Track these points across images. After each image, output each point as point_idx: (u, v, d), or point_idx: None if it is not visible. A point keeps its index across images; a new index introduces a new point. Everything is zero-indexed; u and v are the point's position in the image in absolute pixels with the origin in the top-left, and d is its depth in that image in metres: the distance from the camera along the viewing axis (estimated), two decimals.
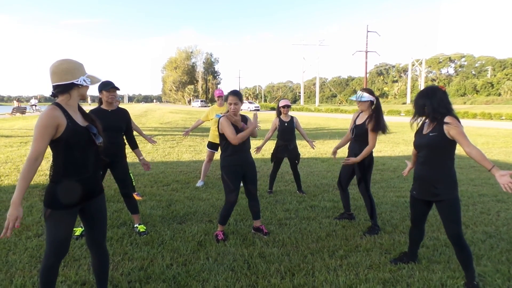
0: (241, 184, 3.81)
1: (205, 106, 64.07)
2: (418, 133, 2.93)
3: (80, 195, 2.15)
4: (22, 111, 31.81)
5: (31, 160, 1.98)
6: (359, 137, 3.99)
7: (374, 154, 4.11)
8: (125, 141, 3.98)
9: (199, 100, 73.05)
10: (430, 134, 2.75)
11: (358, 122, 4.04)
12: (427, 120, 2.86)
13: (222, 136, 3.68)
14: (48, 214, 2.10)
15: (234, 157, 3.66)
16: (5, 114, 30.90)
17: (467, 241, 2.83)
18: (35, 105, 38.94)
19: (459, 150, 2.80)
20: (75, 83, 2.10)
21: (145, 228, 3.92)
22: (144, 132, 5.53)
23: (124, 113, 3.91)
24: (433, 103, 2.72)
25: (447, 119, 2.65)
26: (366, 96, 3.88)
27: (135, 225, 3.93)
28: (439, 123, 2.69)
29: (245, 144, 3.70)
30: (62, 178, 2.09)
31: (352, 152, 4.08)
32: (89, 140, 2.14)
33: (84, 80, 2.14)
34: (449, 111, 2.70)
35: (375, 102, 3.90)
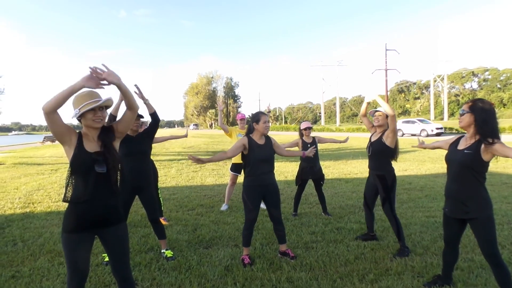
0: (265, 207, 3.84)
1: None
2: (453, 146, 2.87)
3: (85, 221, 2.18)
4: (52, 139, 33.13)
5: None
6: (376, 153, 4.02)
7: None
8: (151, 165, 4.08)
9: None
10: (465, 151, 2.69)
11: (373, 139, 4.09)
12: (466, 134, 2.80)
13: (243, 157, 3.74)
14: (62, 237, 2.19)
15: (254, 177, 3.70)
16: (36, 143, 32.25)
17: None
18: None
19: (490, 167, 2.72)
20: (72, 117, 2.19)
21: (172, 253, 3.95)
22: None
23: (146, 134, 3.99)
24: (485, 121, 2.61)
25: (491, 140, 2.56)
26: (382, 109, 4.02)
27: (162, 250, 3.97)
28: (478, 141, 2.63)
29: (267, 166, 3.74)
30: (69, 201, 2.18)
31: (372, 170, 4.12)
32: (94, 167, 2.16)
33: (75, 114, 2.18)
34: (495, 131, 2.61)
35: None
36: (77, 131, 2.30)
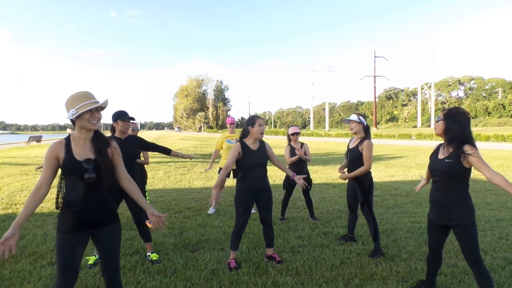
0: (254, 211, 3.83)
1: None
2: (434, 156, 2.91)
3: (76, 222, 2.18)
4: (38, 139, 32.52)
5: (34, 189, 2.14)
6: (353, 160, 4.15)
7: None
8: (139, 167, 4.05)
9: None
10: (446, 161, 2.73)
11: (351, 146, 4.22)
12: (444, 143, 2.85)
13: (236, 161, 3.73)
14: (57, 238, 2.20)
15: (247, 181, 3.69)
16: (20, 143, 31.62)
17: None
18: None
19: (473, 173, 2.77)
20: (69, 117, 2.17)
21: (157, 256, 3.91)
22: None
23: (135, 138, 4.05)
24: (457, 129, 2.68)
25: (466, 148, 2.61)
26: (354, 117, 4.14)
27: (148, 254, 3.93)
28: (457, 150, 2.67)
29: (260, 170, 3.73)
30: (61, 203, 2.19)
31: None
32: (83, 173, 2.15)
33: (72, 114, 2.14)
34: (468, 139, 2.66)
35: (365, 124, 4.15)
36: (66, 134, 2.30)
